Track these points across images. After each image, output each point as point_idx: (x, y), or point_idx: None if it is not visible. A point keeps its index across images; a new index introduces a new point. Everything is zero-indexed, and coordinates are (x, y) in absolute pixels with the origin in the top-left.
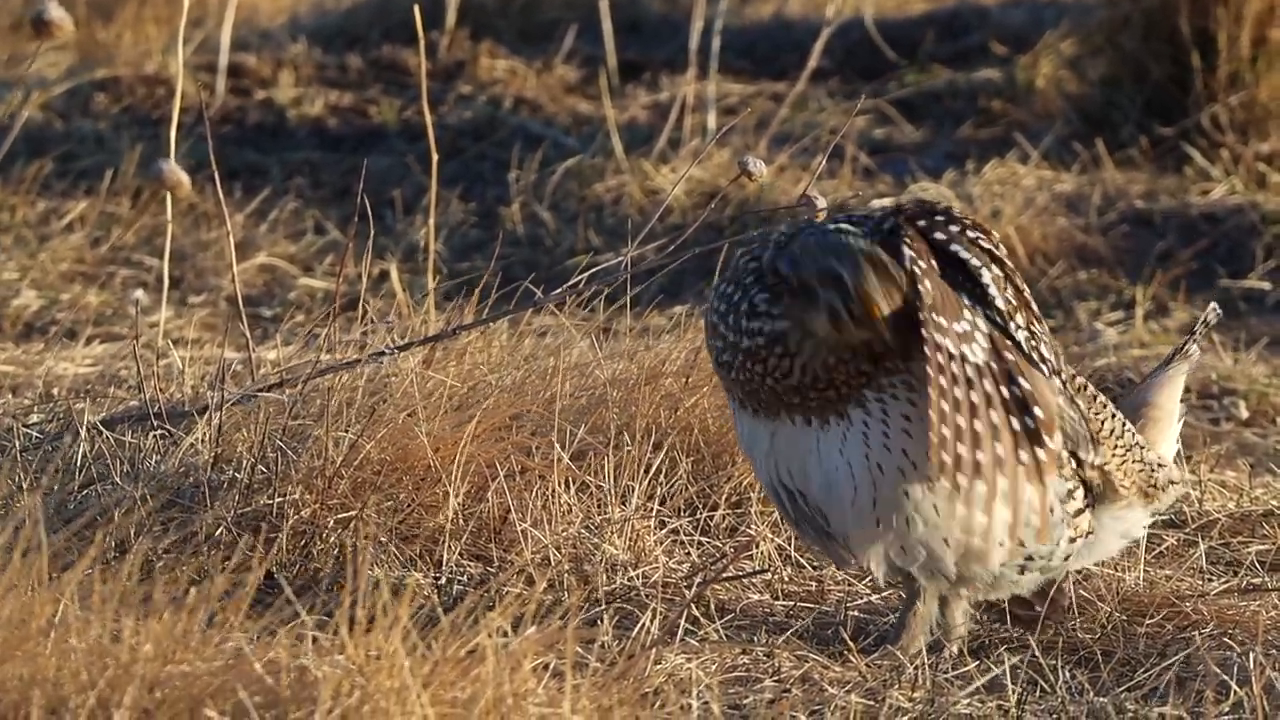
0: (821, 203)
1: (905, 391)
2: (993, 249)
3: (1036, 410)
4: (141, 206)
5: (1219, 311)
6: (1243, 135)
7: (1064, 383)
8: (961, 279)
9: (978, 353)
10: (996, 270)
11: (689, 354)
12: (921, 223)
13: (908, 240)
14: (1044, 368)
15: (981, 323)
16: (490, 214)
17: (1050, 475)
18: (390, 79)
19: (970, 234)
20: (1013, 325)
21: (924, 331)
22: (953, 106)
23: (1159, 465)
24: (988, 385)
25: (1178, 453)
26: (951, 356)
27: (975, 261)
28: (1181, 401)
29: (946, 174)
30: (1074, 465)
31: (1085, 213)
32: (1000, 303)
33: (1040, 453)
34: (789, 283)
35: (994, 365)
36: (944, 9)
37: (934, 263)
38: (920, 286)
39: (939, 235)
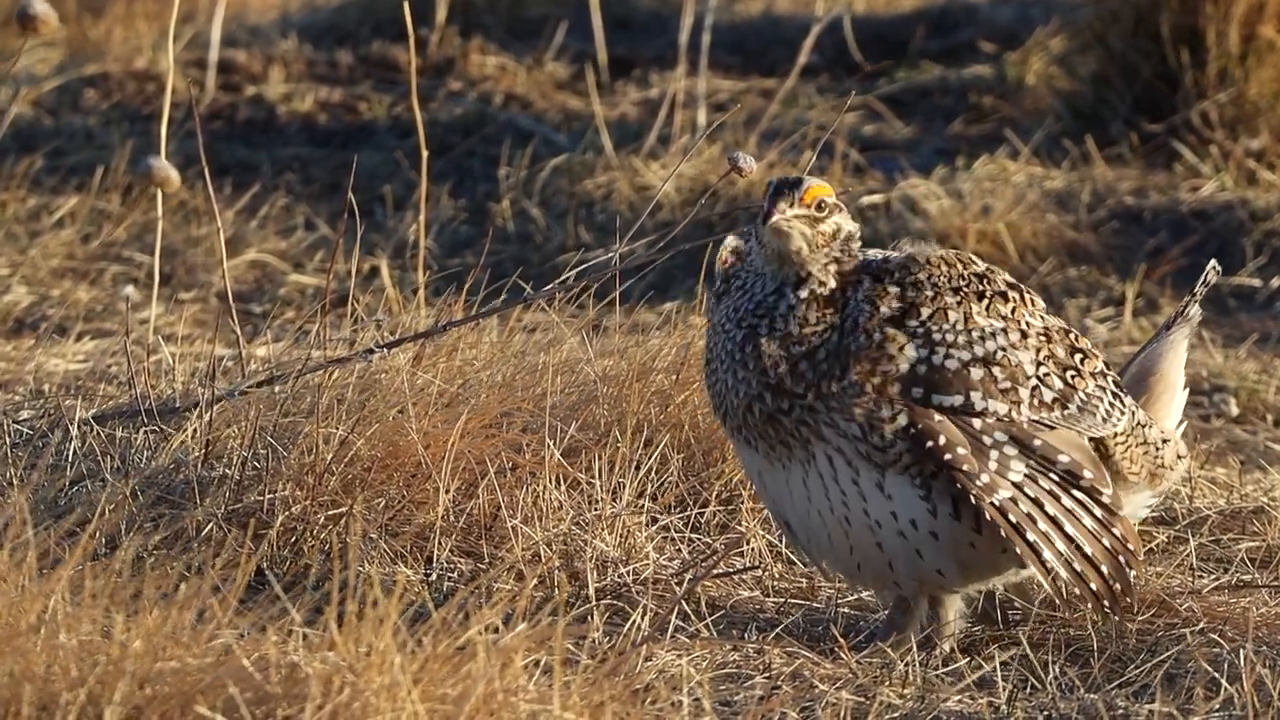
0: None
1: (860, 461)
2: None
3: (1085, 474)
4: (132, 203)
5: (1219, 269)
6: (1232, 132)
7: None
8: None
9: (1018, 468)
10: (971, 363)
11: (679, 350)
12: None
13: (933, 445)
14: (1052, 419)
15: (1000, 434)
16: (480, 210)
17: (1119, 518)
18: (380, 75)
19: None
20: (1015, 412)
21: (991, 517)
22: (943, 103)
23: (1164, 442)
24: (1043, 483)
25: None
26: (1015, 501)
27: (958, 400)
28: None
29: (936, 170)
30: None
31: (1075, 209)
32: (1000, 405)
33: (1105, 499)
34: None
35: (1033, 464)
36: (934, 6)
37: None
38: (957, 475)
39: (916, 391)
